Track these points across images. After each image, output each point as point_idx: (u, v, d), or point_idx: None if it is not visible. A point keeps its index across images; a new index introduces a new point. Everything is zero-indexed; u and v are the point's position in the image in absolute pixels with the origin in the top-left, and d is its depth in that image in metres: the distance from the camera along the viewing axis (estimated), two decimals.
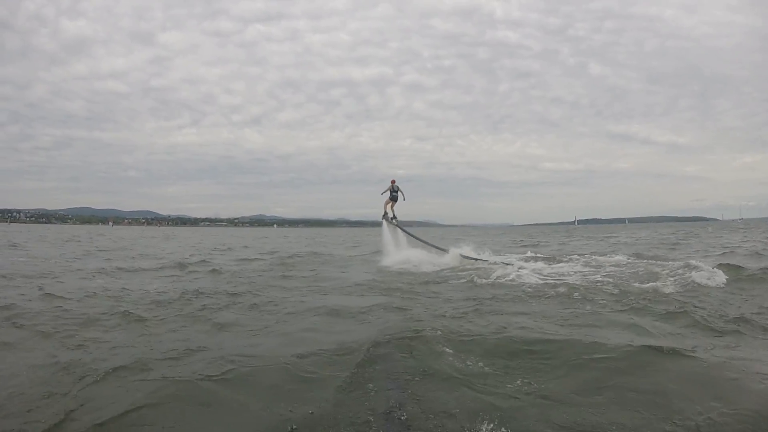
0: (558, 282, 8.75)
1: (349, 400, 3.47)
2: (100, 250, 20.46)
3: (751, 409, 3.16)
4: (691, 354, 4.15)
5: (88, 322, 5.92)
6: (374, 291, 8.60)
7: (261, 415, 3.30)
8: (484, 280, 9.37)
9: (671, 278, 8.69)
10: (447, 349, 4.45)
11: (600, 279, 9.00)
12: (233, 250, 22.18)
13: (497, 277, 9.57)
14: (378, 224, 17.53)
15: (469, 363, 4.13)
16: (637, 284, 8.27)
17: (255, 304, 7.19)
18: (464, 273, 10.81)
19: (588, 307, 6.44)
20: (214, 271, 11.88)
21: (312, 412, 3.27)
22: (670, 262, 11.31)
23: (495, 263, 12.41)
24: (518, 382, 3.72)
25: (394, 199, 16.65)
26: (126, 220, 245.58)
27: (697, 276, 8.42)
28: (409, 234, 16.51)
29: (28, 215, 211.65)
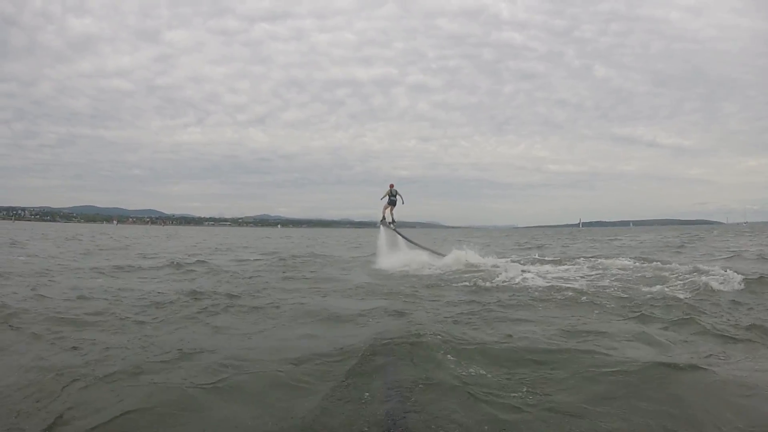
0: (564, 286, 8.52)
1: (345, 411, 3.31)
2: (101, 249, 20.42)
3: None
4: (705, 364, 3.95)
5: (79, 324, 5.78)
6: (374, 294, 8.41)
7: (250, 425, 3.15)
8: (488, 283, 9.16)
9: (680, 282, 8.48)
10: (449, 357, 4.27)
11: (607, 284, 8.79)
12: (233, 250, 22.07)
13: (502, 281, 9.36)
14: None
15: (471, 371, 3.95)
16: (645, 289, 8.05)
17: (252, 306, 7.03)
18: (467, 275, 10.59)
19: (595, 313, 6.24)
20: (211, 271, 11.74)
21: (304, 424, 3.12)
22: (678, 266, 11.09)
23: (495, 266, 12.23)
24: (523, 392, 3.53)
25: (392, 203, 16.57)
26: (130, 219, 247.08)
27: (706, 280, 8.17)
28: (406, 239, 16.33)
29: (33, 213, 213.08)
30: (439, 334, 4.91)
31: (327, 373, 3.99)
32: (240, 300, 7.44)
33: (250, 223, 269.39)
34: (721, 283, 7.95)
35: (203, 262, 14.28)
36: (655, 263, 12.22)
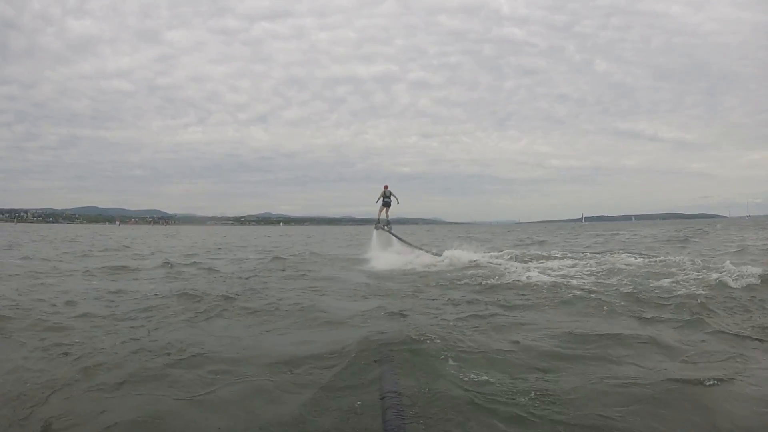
0: (570, 284, 8.20)
1: (335, 421, 3.11)
2: (100, 250, 20.24)
3: None
4: (725, 372, 3.67)
5: (66, 329, 5.58)
6: (370, 295, 8.12)
7: None
8: (489, 281, 8.86)
9: (691, 279, 8.15)
10: (450, 362, 4.04)
11: (614, 282, 8.44)
12: (230, 249, 21.77)
13: (504, 279, 9.05)
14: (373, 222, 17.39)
15: (473, 376, 3.72)
16: (654, 285, 7.73)
17: (244, 309, 6.79)
18: (469, 273, 10.28)
19: (604, 314, 5.94)
20: (204, 272, 11.49)
21: None
22: (686, 262, 10.82)
23: (497, 264, 11.94)
24: (530, 402, 3.28)
25: (387, 204, 16.61)
26: (133, 219, 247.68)
27: (719, 277, 7.86)
28: (400, 239, 16.26)
29: (36, 215, 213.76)
30: (439, 338, 4.67)
31: (318, 381, 3.78)
32: (232, 302, 7.16)
33: (253, 221, 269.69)
34: (735, 280, 7.61)
35: (197, 263, 14.03)
36: (662, 259, 11.95)
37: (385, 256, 14.04)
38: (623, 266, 10.58)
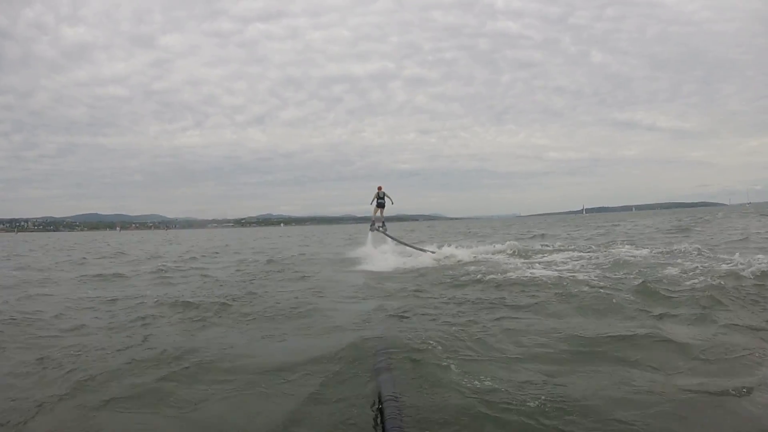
0: (576, 279, 7.88)
1: None
2: (96, 257, 20.06)
3: None
4: (746, 371, 3.44)
5: (52, 341, 5.39)
6: (369, 297, 7.88)
7: None
8: (490, 277, 8.57)
9: (698, 270, 7.87)
10: (452, 367, 3.83)
11: (621, 275, 8.16)
12: (226, 253, 21.51)
13: (507, 275, 8.71)
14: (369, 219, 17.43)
15: (476, 383, 3.50)
16: (662, 278, 7.45)
17: (240, 313, 6.60)
18: (470, 271, 9.96)
19: (613, 311, 5.66)
20: (201, 277, 11.29)
21: None
22: (691, 251, 10.61)
23: (497, 260, 11.67)
24: (538, 411, 3.06)
25: (381, 205, 16.77)
26: (133, 225, 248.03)
27: (729, 267, 7.60)
28: (395, 239, 16.23)
29: (36, 224, 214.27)
30: (440, 341, 4.47)
31: (313, 392, 3.57)
32: (227, 308, 6.94)
33: (253, 223, 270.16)
34: (745, 270, 7.32)
35: (193, 267, 13.86)
36: (667, 249, 11.74)
37: (381, 257, 13.89)
38: (629, 258, 10.33)
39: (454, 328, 5.12)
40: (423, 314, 6.04)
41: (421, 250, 14.47)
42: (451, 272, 10.14)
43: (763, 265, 7.44)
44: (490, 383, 3.49)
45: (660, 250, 11.82)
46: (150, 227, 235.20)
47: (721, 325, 4.83)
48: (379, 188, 16.79)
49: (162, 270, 12.89)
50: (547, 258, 11.61)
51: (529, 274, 8.58)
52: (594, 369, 3.73)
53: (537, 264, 10.22)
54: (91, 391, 3.84)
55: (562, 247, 14.55)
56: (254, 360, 4.47)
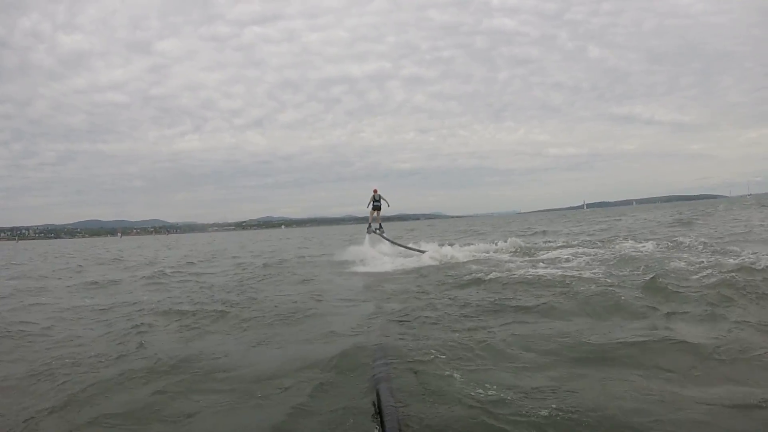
0: (582, 277, 7.66)
1: None
2: (95, 264, 19.95)
3: None
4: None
5: (40, 354, 5.24)
6: (368, 300, 7.71)
7: None
8: (494, 276, 8.34)
9: (705, 264, 7.70)
10: (455, 375, 3.65)
11: (627, 272, 7.93)
12: (224, 257, 21.29)
13: (512, 274, 8.46)
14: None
15: (480, 391, 3.33)
16: (670, 274, 7.23)
17: (237, 319, 6.44)
18: (473, 269, 9.79)
19: (623, 308, 5.49)
20: (197, 282, 11.10)
21: None
22: (696, 245, 10.43)
23: (499, 258, 11.47)
24: (547, 421, 2.89)
25: (377, 208, 16.90)
26: (135, 230, 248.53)
27: (738, 261, 7.41)
28: (392, 242, 16.17)
29: (37, 231, 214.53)
30: (442, 348, 4.30)
31: (310, 404, 3.40)
32: (224, 315, 6.77)
33: (254, 225, 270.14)
34: (754, 264, 7.11)
35: (190, 273, 13.71)
36: (671, 244, 11.54)
37: (381, 258, 13.79)
38: (634, 253, 10.13)
39: (457, 334, 4.92)
40: (424, 318, 5.85)
41: (417, 251, 14.27)
42: (452, 272, 9.92)
43: None
44: (496, 392, 3.31)
45: (664, 244, 11.62)
46: (151, 232, 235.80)
47: (734, 322, 4.66)
48: (375, 191, 16.87)
49: (158, 276, 12.73)
50: (551, 255, 11.42)
51: (534, 273, 8.34)
52: (606, 375, 3.54)
53: (541, 262, 10.02)
54: (84, 405, 3.72)
55: (565, 244, 14.35)
56: (250, 369, 4.33)
